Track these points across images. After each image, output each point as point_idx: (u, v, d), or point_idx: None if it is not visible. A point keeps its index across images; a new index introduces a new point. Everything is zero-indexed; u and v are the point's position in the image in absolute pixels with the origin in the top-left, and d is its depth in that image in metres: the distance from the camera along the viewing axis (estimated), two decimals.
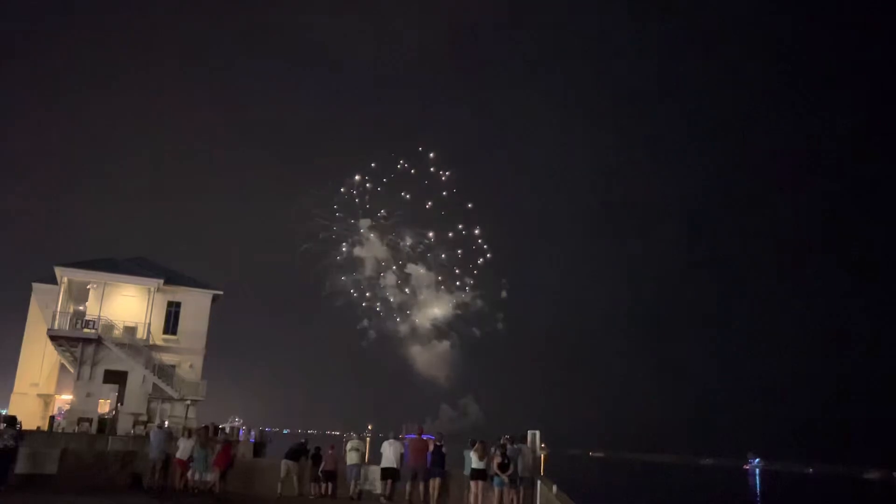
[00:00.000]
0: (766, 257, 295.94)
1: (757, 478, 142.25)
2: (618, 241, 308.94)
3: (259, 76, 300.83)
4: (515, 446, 17.47)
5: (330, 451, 18.89)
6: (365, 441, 20.69)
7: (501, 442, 17.60)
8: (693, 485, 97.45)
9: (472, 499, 16.90)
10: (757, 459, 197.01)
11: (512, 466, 17.00)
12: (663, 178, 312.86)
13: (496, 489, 16.63)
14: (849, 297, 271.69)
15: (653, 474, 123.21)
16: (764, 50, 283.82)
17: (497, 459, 16.69)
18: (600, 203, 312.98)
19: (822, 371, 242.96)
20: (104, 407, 44.40)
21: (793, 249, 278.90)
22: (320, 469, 18.66)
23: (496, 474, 16.57)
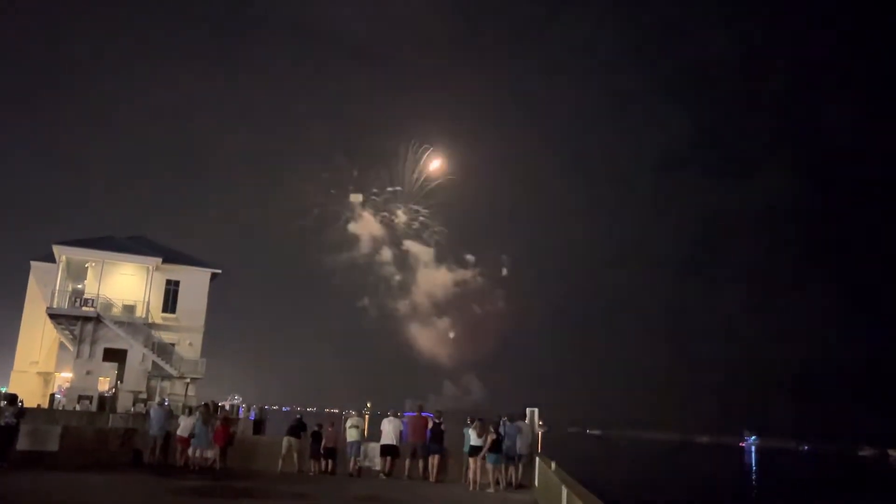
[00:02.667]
0: (768, 235, 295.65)
1: (753, 455, 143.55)
2: (617, 220, 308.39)
3: (252, 53, 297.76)
4: (515, 424, 17.61)
5: (330, 429, 19.03)
6: (364, 418, 20.84)
7: (496, 420, 17.74)
8: (689, 461, 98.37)
9: (470, 475, 17.06)
10: (753, 437, 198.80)
11: (508, 443, 17.16)
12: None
13: (490, 466, 16.79)
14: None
15: (649, 451, 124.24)
16: None
17: (491, 437, 16.83)
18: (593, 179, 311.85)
19: (817, 349, 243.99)
20: (104, 385, 44.59)
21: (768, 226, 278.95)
22: (321, 446, 18.81)
23: (490, 451, 16.71)
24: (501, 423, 17.63)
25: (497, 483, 16.90)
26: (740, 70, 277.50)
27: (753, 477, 76.51)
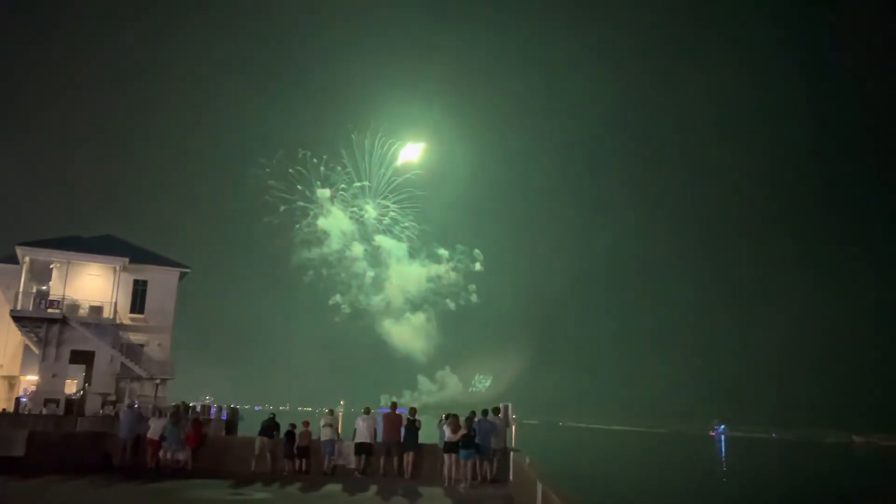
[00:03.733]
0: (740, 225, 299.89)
1: (722, 443, 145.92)
2: (587, 215, 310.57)
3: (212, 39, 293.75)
4: (489, 418, 17.64)
5: (304, 428, 18.89)
6: (338, 416, 20.74)
7: (470, 416, 17.76)
8: (661, 451, 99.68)
9: (445, 471, 17.06)
10: (722, 426, 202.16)
11: (483, 438, 17.20)
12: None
13: (462, 461, 16.80)
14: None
15: (620, 441, 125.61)
16: None
17: (461, 432, 16.84)
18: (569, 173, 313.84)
19: (787, 339, 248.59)
20: (71, 387, 43.78)
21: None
22: (294, 445, 18.67)
23: (462, 447, 16.71)
24: (471, 418, 17.68)
25: (475, 478, 16.93)
26: None
27: (723, 463, 77.82)
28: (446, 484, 16.69)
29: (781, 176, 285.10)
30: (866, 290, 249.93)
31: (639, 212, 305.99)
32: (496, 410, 18.17)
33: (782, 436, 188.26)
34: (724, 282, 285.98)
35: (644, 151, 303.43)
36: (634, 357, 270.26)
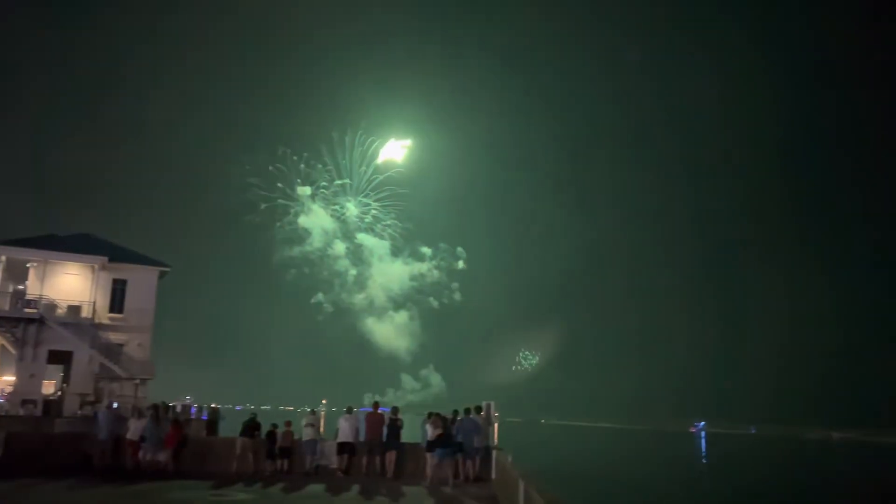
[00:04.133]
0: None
1: (703, 440, 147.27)
2: (570, 213, 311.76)
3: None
4: (471, 417, 17.67)
5: (286, 428, 18.83)
6: (320, 416, 20.69)
7: (453, 415, 17.78)
8: (642, 447, 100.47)
9: (428, 471, 17.07)
10: (702, 423, 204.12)
11: (465, 437, 17.23)
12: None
13: (438, 461, 16.79)
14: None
15: (601, 440, 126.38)
16: None
17: (436, 431, 16.85)
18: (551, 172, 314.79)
19: (768, 336, 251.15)
20: (49, 388, 43.25)
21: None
22: (276, 445, 18.60)
23: (438, 446, 16.73)
24: (456, 416, 17.69)
25: (457, 477, 16.96)
26: None
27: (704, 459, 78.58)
28: (428, 483, 16.71)
29: (751, 174, 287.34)
30: (847, 287, 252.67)
31: (621, 210, 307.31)
32: (478, 409, 18.22)
33: (762, 432, 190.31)
34: (705, 280, 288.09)
35: (628, 148, 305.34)
36: (617, 354, 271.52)
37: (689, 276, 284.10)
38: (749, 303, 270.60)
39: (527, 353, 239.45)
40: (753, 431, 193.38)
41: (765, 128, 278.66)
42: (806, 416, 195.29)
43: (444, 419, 17.44)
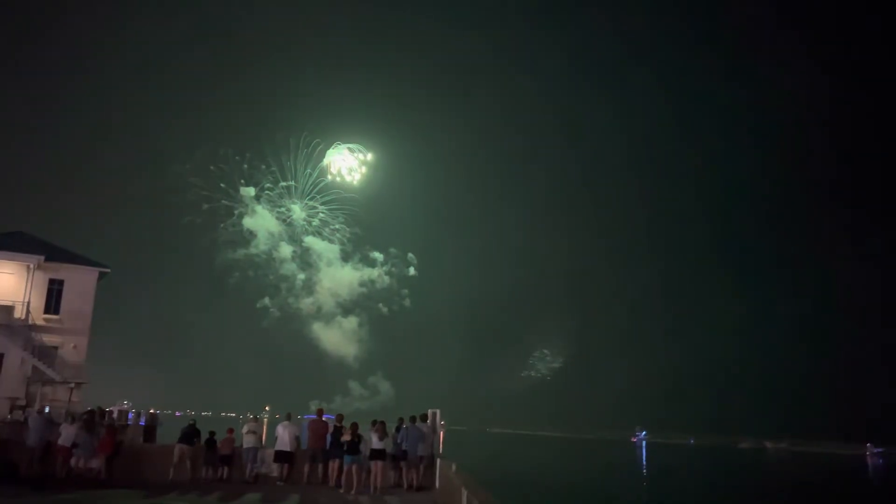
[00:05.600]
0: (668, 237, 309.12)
1: (643, 449, 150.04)
2: (523, 221, 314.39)
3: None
4: (417, 425, 17.61)
5: (227, 435, 18.46)
6: (262, 423, 20.35)
7: (380, 421, 17.63)
8: (585, 456, 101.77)
9: (371, 479, 16.91)
10: (643, 433, 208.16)
11: (408, 445, 17.18)
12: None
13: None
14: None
15: (546, 447, 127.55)
16: None
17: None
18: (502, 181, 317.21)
19: (706, 348, 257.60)
20: None
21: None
22: (216, 453, 18.21)
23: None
24: (398, 425, 17.61)
25: (399, 485, 16.87)
26: None
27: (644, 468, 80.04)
28: (371, 492, 16.50)
29: (703, 180, 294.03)
30: (782, 300, 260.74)
31: (573, 219, 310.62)
32: (423, 417, 18.16)
33: (699, 442, 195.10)
34: (649, 291, 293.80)
35: (586, 153, 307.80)
36: (560, 364, 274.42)
37: (634, 286, 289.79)
38: (689, 315, 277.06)
39: (478, 361, 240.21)
40: (692, 442, 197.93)
41: (717, 134, 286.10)
42: (742, 426, 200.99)
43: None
